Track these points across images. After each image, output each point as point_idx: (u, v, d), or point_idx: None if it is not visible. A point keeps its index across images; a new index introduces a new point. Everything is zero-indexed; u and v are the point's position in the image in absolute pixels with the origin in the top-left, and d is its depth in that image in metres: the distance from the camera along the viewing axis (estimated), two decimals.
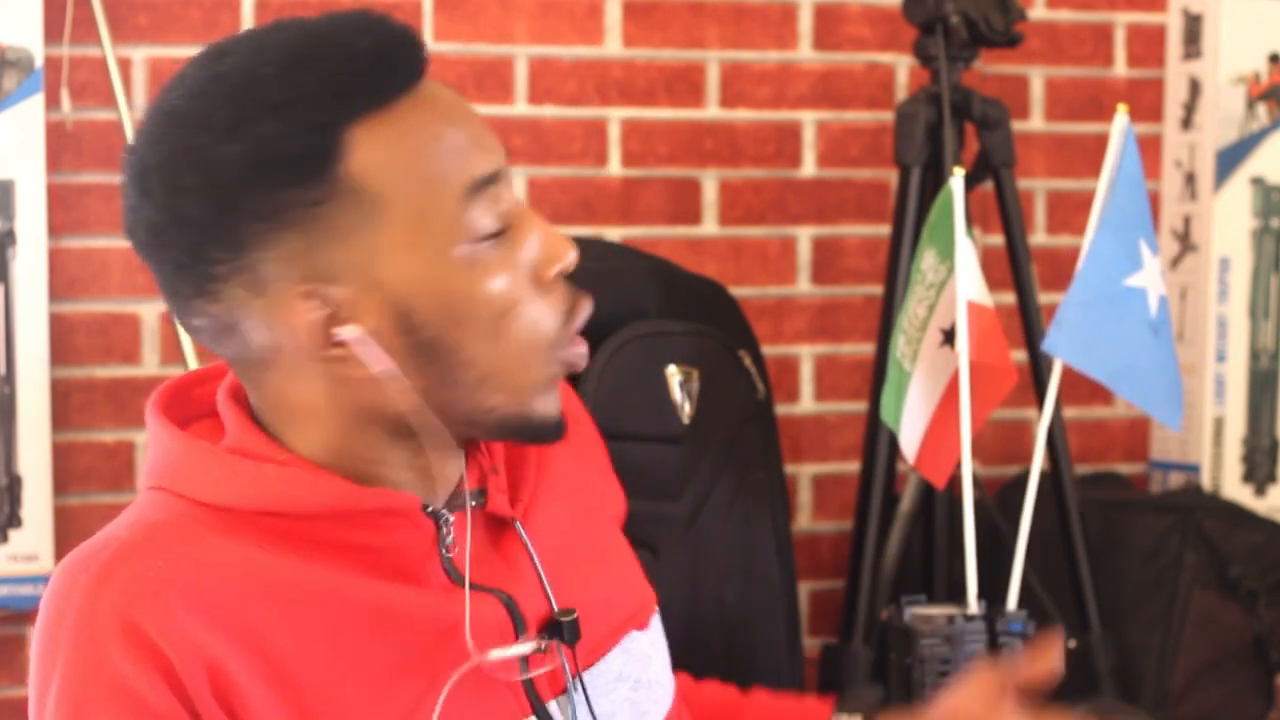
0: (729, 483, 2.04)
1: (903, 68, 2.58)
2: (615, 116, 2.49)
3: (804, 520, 2.56)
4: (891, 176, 2.50)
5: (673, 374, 1.98)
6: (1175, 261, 2.64)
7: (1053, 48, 2.64)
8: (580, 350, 1.26)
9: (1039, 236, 2.64)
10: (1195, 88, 2.62)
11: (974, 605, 1.76)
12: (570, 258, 1.23)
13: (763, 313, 2.52)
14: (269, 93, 1.16)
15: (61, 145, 2.29)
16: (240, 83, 1.17)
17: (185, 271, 1.19)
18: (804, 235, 2.57)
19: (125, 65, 2.30)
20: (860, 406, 2.48)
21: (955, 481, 1.91)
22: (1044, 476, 2.00)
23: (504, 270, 1.21)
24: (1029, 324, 2.26)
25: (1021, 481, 1.98)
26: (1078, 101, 2.66)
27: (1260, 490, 2.61)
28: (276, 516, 1.20)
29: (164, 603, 1.14)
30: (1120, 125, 1.79)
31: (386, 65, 1.18)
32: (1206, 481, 2.59)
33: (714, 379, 2.01)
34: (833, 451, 2.58)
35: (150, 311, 2.33)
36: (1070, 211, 2.65)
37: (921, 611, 1.75)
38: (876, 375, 2.22)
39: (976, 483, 1.88)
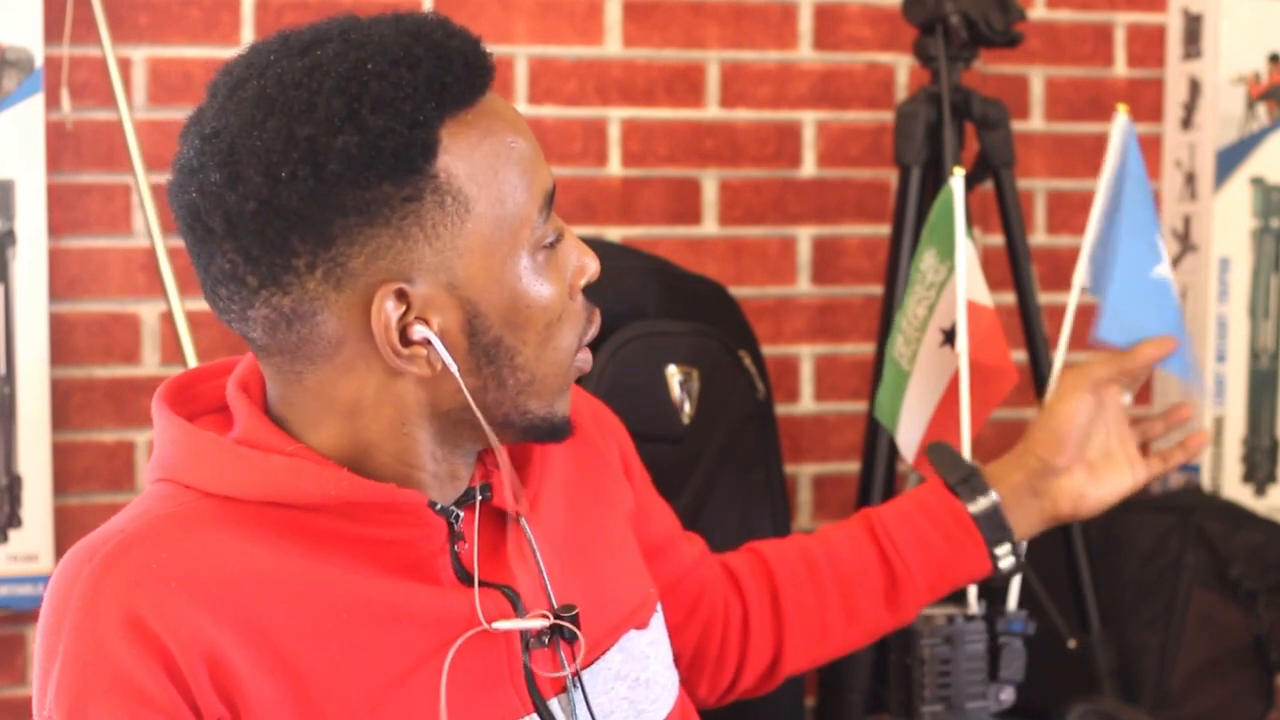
0: (729, 482, 2.04)
1: (903, 68, 2.58)
2: (615, 116, 2.49)
3: (804, 520, 2.56)
4: (891, 176, 2.50)
5: (673, 374, 1.98)
6: (1175, 261, 2.64)
7: (1053, 48, 2.64)
8: (587, 356, 1.31)
9: (1039, 236, 2.64)
10: (1195, 88, 2.62)
11: (974, 605, 1.76)
12: (595, 269, 1.29)
13: (763, 313, 2.52)
14: (379, 87, 1.17)
15: (61, 145, 2.29)
16: (347, 75, 1.17)
17: (256, 262, 1.18)
18: (804, 235, 2.57)
19: (125, 65, 2.30)
20: (860, 406, 2.48)
21: None
22: None
23: (556, 279, 1.25)
24: (1029, 324, 2.26)
25: None
26: (1078, 101, 2.66)
27: (1260, 490, 2.61)
28: (284, 508, 1.20)
29: (167, 594, 1.14)
30: (1121, 125, 1.79)
31: (472, 68, 1.21)
32: (1206, 481, 2.59)
33: (714, 379, 2.01)
34: (833, 451, 2.58)
35: (150, 311, 2.33)
36: (1070, 211, 2.65)
37: (922, 611, 1.75)
38: (876, 375, 2.22)
39: None
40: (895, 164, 2.26)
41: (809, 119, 2.56)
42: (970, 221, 1.84)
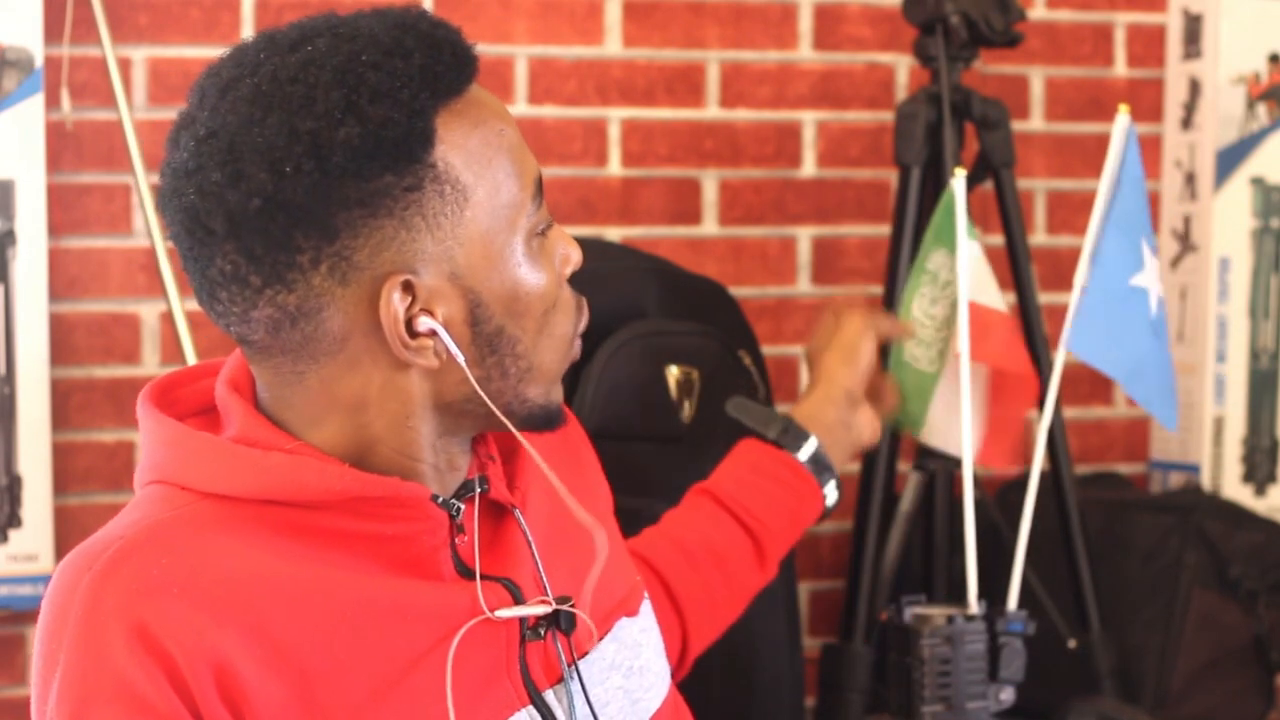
0: None
1: (903, 68, 2.58)
2: (615, 116, 2.49)
3: None
4: (891, 176, 2.50)
5: (673, 374, 1.98)
6: (1175, 261, 2.64)
7: (1053, 48, 2.64)
8: (579, 344, 1.32)
9: (1039, 236, 2.64)
10: (1195, 88, 2.62)
11: (974, 605, 1.76)
12: (579, 258, 1.30)
13: (763, 313, 2.52)
14: (375, 78, 1.17)
15: (61, 145, 2.29)
16: (342, 67, 1.17)
17: (259, 261, 1.18)
18: (804, 235, 2.57)
19: (125, 65, 2.30)
20: None
21: (955, 481, 1.91)
22: (1044, 476, 1.99)
23: (549, 266, 1.26)
24: (1029, 324, 2.26)
25: (1021, 481, 1.98)
26: (1078, 101, 2.66)
27: (1260, 490, 2.61)
28: (283, 506, 1.20)
29: (170, 601, 1.14)
30: (1122, 125, 1.79)
31: (459, 57, 1.22)
32: (1206, 481, 2.59)
33: (714, 379, 2.01)
34: None
35: (150, 311, 2.33)
36: (1070, 211, 2.65)
37: (921, 611, 1.74)
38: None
39: (977, 483, 1.88)
40: (895, 164, 2.26)
41: (809, 119, 2.56)
42: (971, 222, 1.84)
